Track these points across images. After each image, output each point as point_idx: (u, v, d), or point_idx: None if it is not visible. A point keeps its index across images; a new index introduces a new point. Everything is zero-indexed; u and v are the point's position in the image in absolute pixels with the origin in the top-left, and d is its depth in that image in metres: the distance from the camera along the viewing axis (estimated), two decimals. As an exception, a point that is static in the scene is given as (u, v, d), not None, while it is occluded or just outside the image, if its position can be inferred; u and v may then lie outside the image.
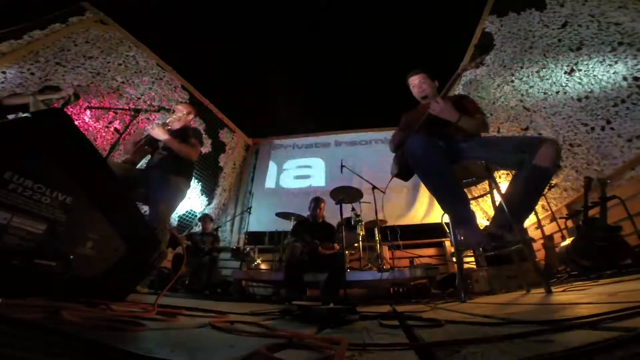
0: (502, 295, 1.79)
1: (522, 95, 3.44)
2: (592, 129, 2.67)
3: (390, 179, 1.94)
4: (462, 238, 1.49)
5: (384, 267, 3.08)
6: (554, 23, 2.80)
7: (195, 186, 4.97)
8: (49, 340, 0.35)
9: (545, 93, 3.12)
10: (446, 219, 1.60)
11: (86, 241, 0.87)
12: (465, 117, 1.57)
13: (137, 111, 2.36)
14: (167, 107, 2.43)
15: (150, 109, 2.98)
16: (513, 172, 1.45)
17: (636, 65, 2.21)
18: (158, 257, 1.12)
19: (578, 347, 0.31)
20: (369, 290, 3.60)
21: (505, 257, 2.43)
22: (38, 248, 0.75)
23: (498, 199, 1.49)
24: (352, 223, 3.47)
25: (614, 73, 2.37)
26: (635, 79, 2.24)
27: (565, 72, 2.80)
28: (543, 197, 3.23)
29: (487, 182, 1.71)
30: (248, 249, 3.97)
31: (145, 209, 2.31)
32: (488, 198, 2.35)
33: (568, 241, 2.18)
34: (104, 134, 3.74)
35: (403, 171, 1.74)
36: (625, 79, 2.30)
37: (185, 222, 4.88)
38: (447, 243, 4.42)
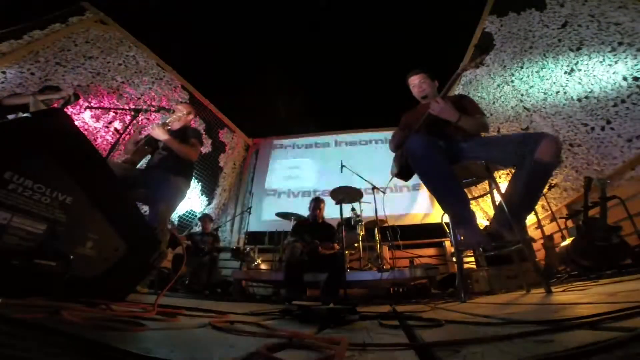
0: (502, 295, 1.79)
1: (522, 95, 3.44)
2: (592, 129, 2.67)
3: (390, 179, 1.94)
4: (462, 238, 1.49)
5: (384, 267, 3.08)
6: (554, 23, 2.80)
7: (195, 186, 4.97)
8: (49, 340, 0.35)
9: (545, 93, 3.12)
10: (446, 219, 1.60)
11: (86, 241, 0.87)
12: (465, 117, 1.57)
13: (137, 111, 2.36)
14: (167, 107, 2.43)
15: (150, 109, 2.98)
16: (513, 171, 1.44)
17: (636, 65, 2.21)
18: (158, 257, 1.12)
19: (578, 347, 0.31)
20: (369, 290, 3.60)
21: (505, 257, 2.43)
22: (38, 248, 0.75)
23: (498, 199, 1.49)
24: (352, 223, 3.47)
25: (614, 73, 2.37)
26: (635, 79, 2.24)
27: (565, 72, 2.80)
28: (543, 197, 3.23)
29: (487, 182, 1.71)
30: (248, 249, 3.97)
31: (145, 209, 2.31)
32: (488, 198, 2.35)
33: (568, 241, 2.18)
34: (104, 134, 3.75)
35: (403, 171, 1.74)
36: (625, 79, 2.30)
37: (185, 222, 4.88)
38: (447, 243, 4.42)
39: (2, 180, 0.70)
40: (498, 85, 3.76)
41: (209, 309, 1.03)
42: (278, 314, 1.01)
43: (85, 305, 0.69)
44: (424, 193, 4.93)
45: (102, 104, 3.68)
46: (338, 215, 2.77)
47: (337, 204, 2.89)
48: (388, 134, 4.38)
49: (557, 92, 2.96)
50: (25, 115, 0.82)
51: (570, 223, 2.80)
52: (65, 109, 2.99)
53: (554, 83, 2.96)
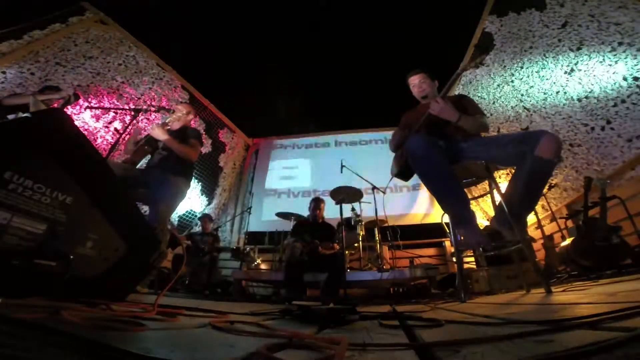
0: (502, 295, 1.80)
1: (522, 95, 3.44)
2: (592, 129, 2.67)
3: (390, 179, 1.94)
4: (462, 238, 1.49)
5: (384, 267, 3.08)
6: (554, 23, 2.80)
7: (195, 186, 4.97)
8: (49, 340, 0.35)
9: (545, 93, 3.12)
10: (446, 219, 1.60)
11: (86, 241, 0.87)
12: (465, 117, 1.57)
13: (137, 111, 2.36)
14: (167, 107, 2.43)
15: (150, 109, 2.98)
16: (513, 171, 1.44)
17: (636, 65, 2.21)
18: (158, 257, 1.12)
19: (578, 347, 0.31)
20: (369, 290, 3.60)
21: (505, 257, 2.43)
22: (38, 248, 0.75)
23: (498, 199, 1.49)
24: (352, 223, 3.47)
25: (614, 73, 2.37)
26: (635, 79, 2.24)
27: (565, 72, 2.80)
28: (543, 197, 3.23)
29: (487, 182, 1.71)
30: (248, 249, 3.97)
31: (145, 209, 2.31)
32: (488, 198, 2.35)
33: (568, 241, 2.18)
34: (104, 134, 3.74)
35: (403, 171, 1.74)
36: (625, 79, 2.30)
37: (185, 222, 4.88)
38: (447, 243, 4.42)
39: (2, 180, 0.70)
40: (498, 85, 3.76)
41: (209, 309, 1.03)
42: (278, 314, 1.01)
43: (85, 305, 0.69)
44: (424, 193, 4.93)
45: (102, 104, 3.68)
46: (338, 215, 2.77)
47: (337, 204, 2.89)
48: (388, 134, 4.37)
49: (557, 92, 2.96)
50: (25, 115, 0.82)
51: (570, 223, 2.80)
52: (65, 109, 2.99)
53: (554, 83, 2.96)
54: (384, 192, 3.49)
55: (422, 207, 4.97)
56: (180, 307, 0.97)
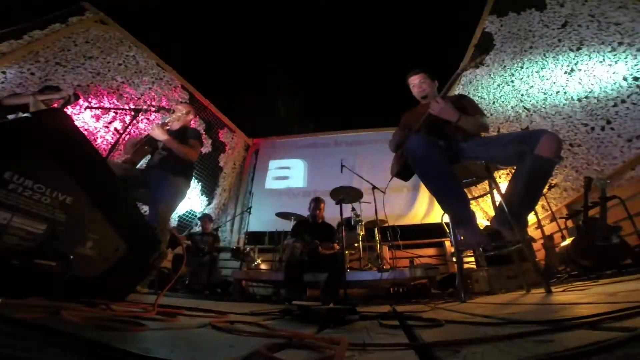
0: (502, 295, 1.80)
1: (522, 95, 3.44)
2: (592, 129, 2.67)
3: (390, 179, 1.94)
4: (462, 238, 1.49)
5: (384, 267, 3.08)
6: (554, 23, 2.80)
7: (195, 186, 4.97)
8: (49, 340, 0.35)
9: (545, 93, 3.12)
10: (446, 219, 1.60)
11: (86, 241, 0.87)
12: (465, 117, 1.57)
13: (137, 111, 2.36)
14: (167, 107, 2.43)
15: (150, 109, 2.98)
16: (513, 171, 1.44)
17: (636, 65, 2.21)
18: (158, 257, 1.12)
19: (578, 347, 0.31)
20: (369, 290, 3.60)
21: (505, 257, 2.43)
22: (38, 248, 0.75)
23: (498, 199, 1.49)
24: (352, 223, 3.47)
25: (614, 73, 2.37)
26: (635, 79, 2.24)
27: (565, 72, 2.80)
28: (543, 197, 3.23)
29: (487, 182, 1.71)
30: (248, 249, 3.97)
31: (145, 209, 2.31)
32: (488, 198, 2.35)
33: (568, 241, 2.18)
34: (104, 134, 3.75)
35: (403, 171, 1.74)
36: (625, 79, 2.30)
37: (185, 222, 4.88)
38: (447, 243, 4.42)
39: (2, 180, 0.70)
40: (498, 85, 3.76)
41: (209, 309, 1.03)
42: (278, 314, 1.01)
43: (85, 305, 0.69)
44: (424, 193, 4.93)
45: (102, 104, 3.68)
46: (338, 215, 2.77)
47: (337, 204, 2.89)
48: (388, 134, 4.37)
49: (557, 92, 2.96)
50: (25, 115, 0.82)
51: (570, 223, 2.80)
52: (65, 109, 2.99)
53: (554, 83, 2.96)
54: (384, 192, 3.49)
55: (422, 207, 4.96)
56: (180, 307, 0.97)
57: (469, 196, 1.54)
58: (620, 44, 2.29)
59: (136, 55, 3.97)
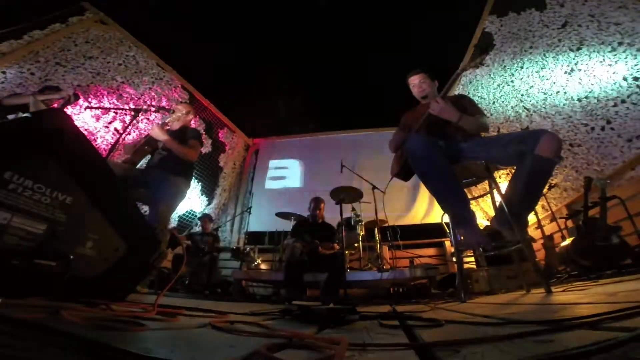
0: (502, 295, 1.80)
1: (522, 95, 3.44)
2: (592, 129, 2.67)
3: (390, 179, 1.94)
4: (462, 238, 1.49)
5: (384, 267, 3.08)
6: (554, 23, 2.80)
7: (195, 186, 4.97)
8: (49, 340, 0.35)
9: (545, 93, 3.12)
10: (446, 219, 1.60)
11: (86, 241, 0.87)
12: (466, 117, 1.57)
13: (137, 111, 2.36)
14: (167, 107, 2.43)
15: (150, 109, 2.98)
16: (513, 171, 1.44)
17: (636, 65, 2.21)
18: (158, 257, 1.12)
19: (578, 347, 0.31)
20: (369, 290, 3.60)
21: (505, 257, 2.43)
22: (38, 248, 0.75)
23: (498, 199, 1.49)
24: (352, 223, 3.47)
25: (614, 73, 2.37)
26: (635, 79, 2.24)
27: (565, 72, 2.80)
28: (543, 197, 3.23)
29: (487, 182, 1.71)
30: (248, 249, 3.97)
31: (145, 209, 2.31)
32: (488, 198, 2.35)
33: (568, 241, 2.18)
34: (104, 134, 3.75)
35: (403, 171, 1.74)
36: (625, 79, 2.30)
37: (185, 222, 4.88)
38: (447, 243, 4.42)
39: (2, 180, 0.70)
40: (498, 85, 3.76)
41: (209, 309, 1.03)
42: (278, 314, 1.01)
43: (85, 305, 0.69)
44: (424, 193, 4.93)
45: (102, 104, 3.68)
46: (338, 215, 2.77)
47: (337, 204, 2.89)
48: (388, 134, 4.37)
49: (557, 92, 2.96)
50: (25, 115, 0.82)
51: (570, 223, 2.80)
52: (65, 109, 2.99)
53: (554, 83, 2.96)
54: (384, 192, 3.49)
55: (422, 207, 4.96)
56: (180, 307, 0.97)
57: (469, 196, 1.54)
58: (620, 44, 2.29)
59: (136, 55, 3.97)
